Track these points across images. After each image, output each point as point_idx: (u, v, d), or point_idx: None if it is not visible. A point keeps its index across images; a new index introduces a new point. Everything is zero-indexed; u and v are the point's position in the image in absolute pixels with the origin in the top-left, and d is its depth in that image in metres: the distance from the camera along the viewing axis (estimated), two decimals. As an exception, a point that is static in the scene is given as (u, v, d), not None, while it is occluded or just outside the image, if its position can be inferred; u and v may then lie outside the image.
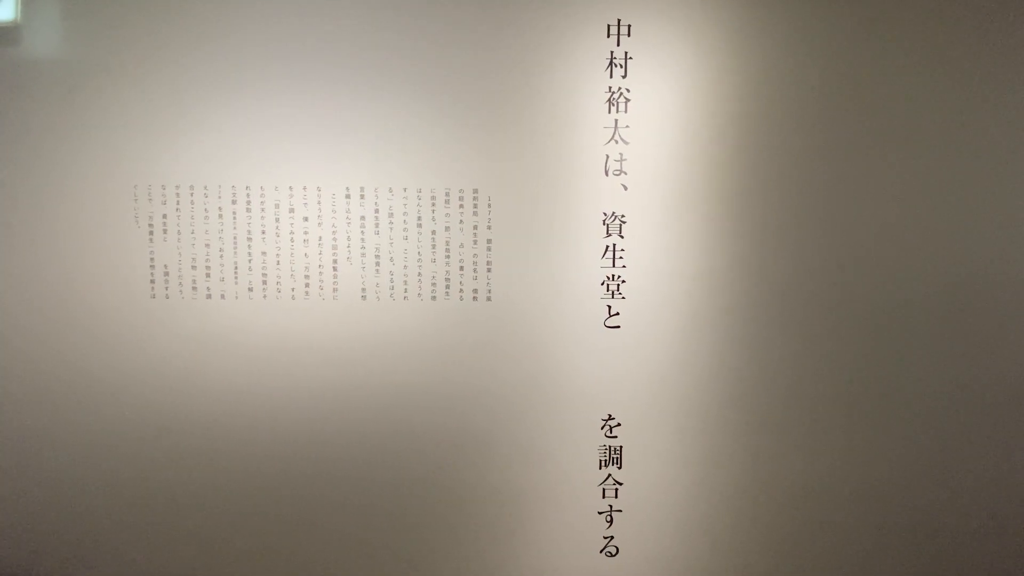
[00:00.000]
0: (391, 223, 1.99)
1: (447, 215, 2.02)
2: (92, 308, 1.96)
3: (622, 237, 2.14)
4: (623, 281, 2.14)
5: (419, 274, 2.03)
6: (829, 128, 2.22)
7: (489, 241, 2.08)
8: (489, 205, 2.05)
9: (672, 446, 2.25)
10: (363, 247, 1.99)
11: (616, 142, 2.09)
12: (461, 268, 2.08)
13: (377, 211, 1.99)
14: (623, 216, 2.12)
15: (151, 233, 1.95)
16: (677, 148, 2.15)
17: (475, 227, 2.05)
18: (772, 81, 2.22)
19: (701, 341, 2.20)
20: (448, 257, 2.05)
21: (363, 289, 2.01)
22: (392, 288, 2.01)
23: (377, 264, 2.01)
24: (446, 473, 2.05)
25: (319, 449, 2.01)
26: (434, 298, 2.03)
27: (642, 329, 2.15)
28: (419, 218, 2.01)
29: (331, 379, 1.99)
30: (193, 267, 1.96)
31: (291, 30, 1.92)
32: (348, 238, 1.99)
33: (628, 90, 2.10)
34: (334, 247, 1.99)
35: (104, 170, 1.93)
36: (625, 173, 2.10)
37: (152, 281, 1.96)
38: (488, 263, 2.08)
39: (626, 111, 2.09)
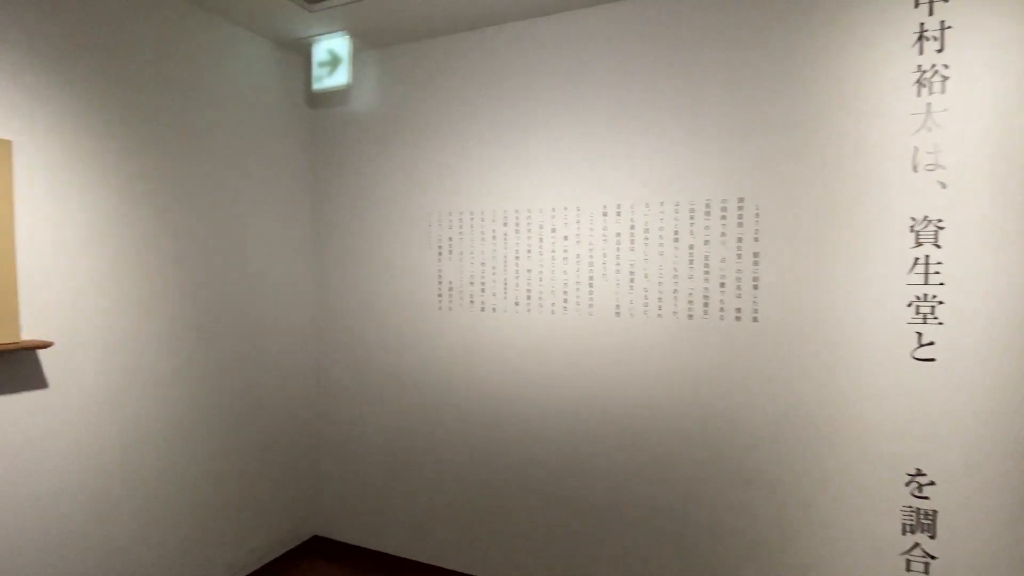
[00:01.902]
0: (646, 238, 1.96)
1: (707, 227, 1.90)
2: (397, 315, 2.36)
3: (938, 247, 1.70)
4: (939, 302, 1.69)
5: (675, 291, 1.95)
6: None
7: (756, 255, 1.87)
8: (757, 214, 1.85)
9: (1005, 516, 1.67)
10: (618, 263, 2.00)
11: (928, 130, 1.68)
12: (722, 285, 1.93)
13: (632, 227, 1.97)
14: (939, 221, 1.69)
15: (440, 253, 2.26)
16: (1012, 136, 1.63)
17: (739, 239, 1.88)
18: None
19: (1052, 382, 1.64)
20: (707, 273, 1.91)
21: (617, 305, 2.01)
22: (646, 305, 1.97)
23: (631, 280, 1.99)
24: (700, 508, 1.87)
25: (569, 453, 2.06)
26: (691, 317, 1.92)
27: (964, 363, 1.65)
28: (676, 232, 1.93)
29: (585, 390, 2.03)
30: (471, 283, 2.22)
31: (547, 70, 2.05)
32: (604, 255, 2.02)
33: (945, 67, 1.68)
34: (591, 264, 2.03)
35: (408, 201, 2.32)
36: (942, 167, 1.68)
37: (440, 295, 2.28)
38: (754, 279, 1.88)
39: (942, 92, 1.67)
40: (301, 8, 1.99)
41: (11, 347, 1.39)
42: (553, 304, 2.08)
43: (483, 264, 2.20)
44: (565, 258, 2.06)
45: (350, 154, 2.42)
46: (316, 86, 2.30)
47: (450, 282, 2.25)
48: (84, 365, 1.65)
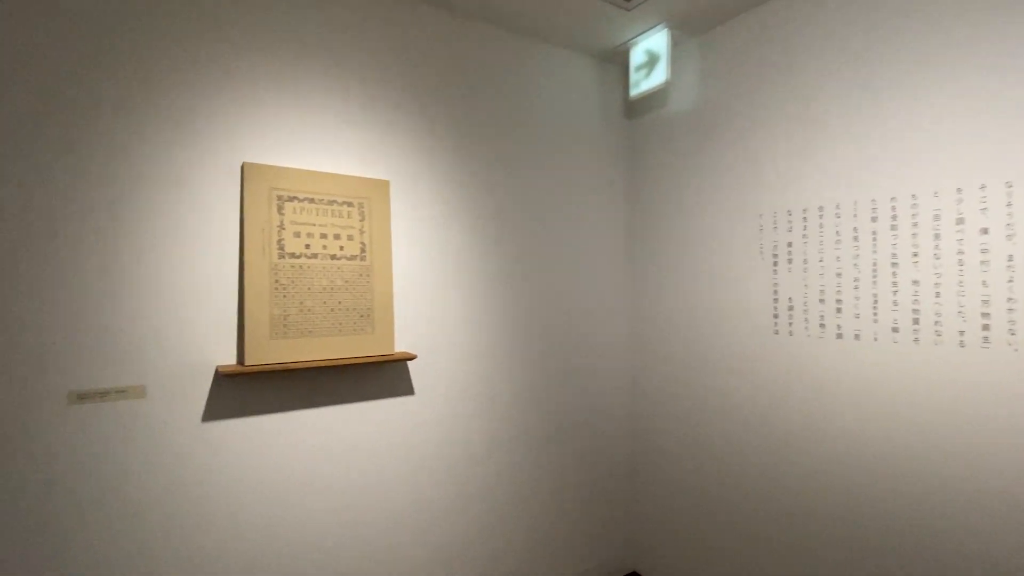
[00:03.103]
0: None
1: None
2: (721, 338, 2.02)
3: None
4: None
5: None
6: None
7: None
8: None
9: None
10: (1098, 268, 1.25)
11: None
12: None
13: None
14: None
15: (775, 262, 1.84)
16: None
17: None
18: None
19: None
20: None
21: (1098, 336, 1.25)
22: None
23: None
24: None
25: (980, 556, 1.36)
26: None
27: None
28: None
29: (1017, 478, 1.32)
30: (821, 300, 1.72)
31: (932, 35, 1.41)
32: (1066, 255, 1.29)
33: None
34: (1037, 270, 1.33)
35: (733, 202, 1.96)
36: None
37: (775, 316, 1.84)
38: None
39: None
40: (619, 8, 1.90)
41: (388, 359, 1.66)
42: (962, 333, 1.43)
43: (839, 275, 1.68)
44: (984, 262, 1.39)
45: (666, 160, 2.22)
46: (633, 92, 2.18)
47: (790, 299, 1.80)
48: (439, 375, 1.87)
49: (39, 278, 1.27)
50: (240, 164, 1.53)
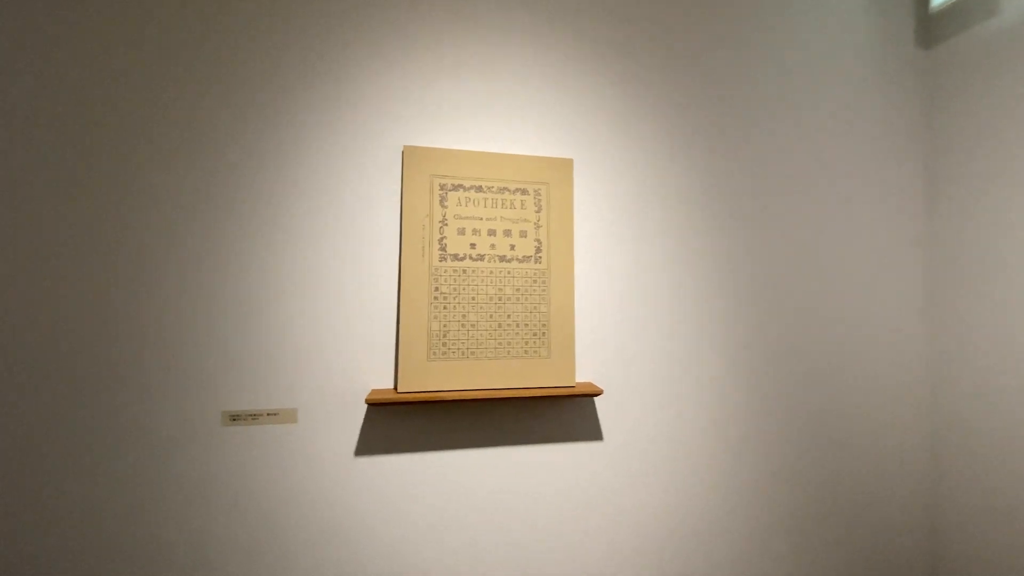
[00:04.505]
0: None
1: None
2: None
3: None
4: None
5: None
6: None
7: None
8: None
9: None
10: None
11: None
12: None
13: None
14: None
15: None
16: None
17: None
18: None
19: None
20: None
21: None
22: None
23: None
24: None
25: None
26: None
27: None
28: None
29: None
30: None
31: None
32: None
33: None
34: None
35: None
36: None
37: None
38: None
39: None
40: None
41: (568, 393, 1.27)
42: None
43: None
44: None
45: (1003, 100, 1.43)
46: (936, 1, 1.45)
47: None
48: (634, 418, 1.42)
49: (196, 294, 1.17)
50: (401, 149, 1.29)
